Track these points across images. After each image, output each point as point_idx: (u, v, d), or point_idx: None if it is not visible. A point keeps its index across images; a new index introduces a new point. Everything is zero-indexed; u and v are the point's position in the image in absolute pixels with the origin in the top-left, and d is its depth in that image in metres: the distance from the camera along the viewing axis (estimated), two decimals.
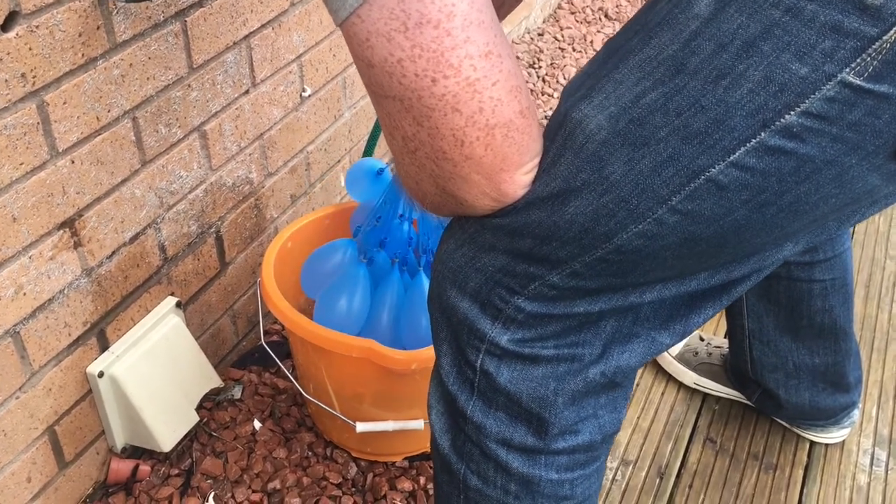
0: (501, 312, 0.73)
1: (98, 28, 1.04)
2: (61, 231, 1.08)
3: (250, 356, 1.55)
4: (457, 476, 0.82)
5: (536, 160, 0.66)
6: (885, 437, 1.45)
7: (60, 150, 1.04)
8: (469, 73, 0.58)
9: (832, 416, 1.37)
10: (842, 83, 0.56)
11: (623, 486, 1.35)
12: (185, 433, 1.31)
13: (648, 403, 1.50)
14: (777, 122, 0.57)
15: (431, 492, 1.32)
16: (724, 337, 1.55)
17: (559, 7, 2.91)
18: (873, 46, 0.55)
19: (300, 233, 1.37)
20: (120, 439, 1.27)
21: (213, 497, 1.29)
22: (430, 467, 1.36)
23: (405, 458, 1.37)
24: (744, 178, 0.60)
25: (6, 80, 0.94)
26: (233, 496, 1.29)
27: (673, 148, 0.61)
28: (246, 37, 1.32)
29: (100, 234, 1.14)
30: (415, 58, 0.57)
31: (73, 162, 1.06)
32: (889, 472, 1.38)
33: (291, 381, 1.40)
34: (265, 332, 1.62)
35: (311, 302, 1.35)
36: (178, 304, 1.31)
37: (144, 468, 1.30)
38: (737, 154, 0.59)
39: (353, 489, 1.33)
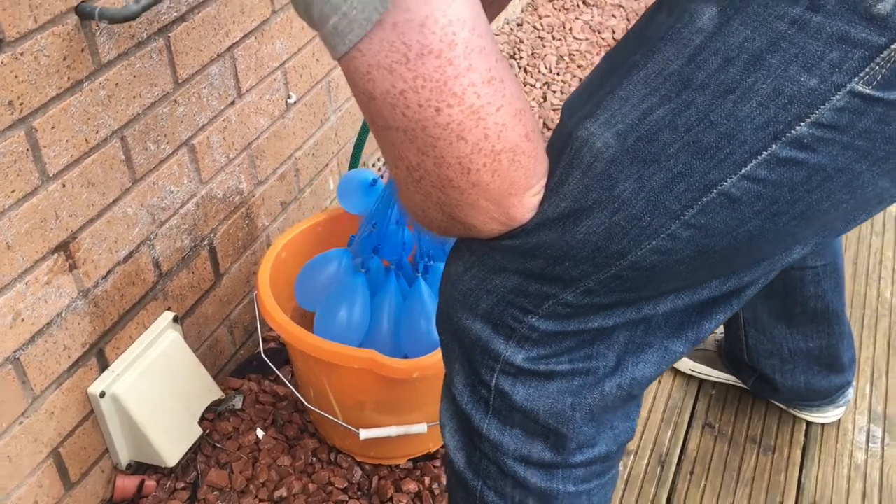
0: (515, 332, 0.73)
1: (82, 50, 1.03)
2: (56, 255, 1.08)
3: (248, 365, 1.55)
4: (473, 493, 0.82)
5: (543, 181, 0.66)
6: (879, 413, 1.47)
7: (51, 175, 1.04)
8: (473, 100, 0.57)
9: (828, 397, 1.39)
10: (851, 93, 0.56)
11: (625, 475, 1.37)
12: (189, 447, 1.31)
13: (646, 392, 1.51)
14: (788, 134, 0.58)
15: (437, 492, 1.33)
16: None
17: None
18: (881, 55, 0.55)
19: (293, 242, 1.37)
20: (124, 456, 1.28)
21: None
22: (434, 467, 1.37)
23: (409, 460, 1.38)
24: (756, 189, 0.60)
25: None
26: None
27: (684, 163, 0.61)
28: (229, 48, 1.32)
29: (94, 255, 1.14)
30: (418, 88, 0.56)
31: (64, 185, 1.06)
32: (885, 448, 1.41)
33: (290, 388, 1.41)
34: (262, 340, 1.62)
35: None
36: (176, 319, 1.31)
37: (150, 483, 1.30)
38: (748, 167, 0.59)
39: (359, 493, 1.34)
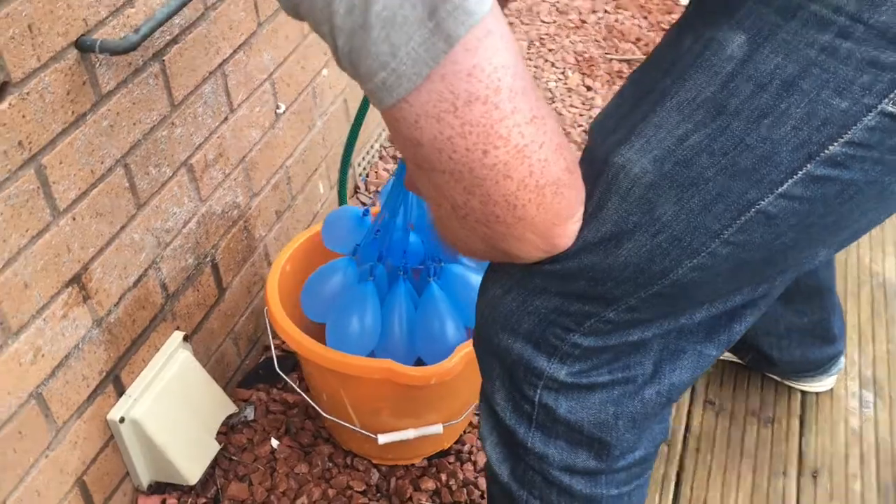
0: (557, 349, 0.76)
1: (84, 83, 1.03)
2: (70, 288, 1.08)
3: (255, 374, 1.57)
4: (518, 502, 0.86)
5: (582, 208, 0.68)
6: (869, 378, 1.53)
7: (61, 210, 1.04)
8: (518, 140, 0.59)
9: (821, 367, 1.45)
10: (882, 113, 0.59)
11: None
12: (208, 463, 1.33)
13: None
14: (822, 154, 0.61)
15: (454, 488, 1.37)
16: None
17: None
18: None
19: (297, 253, 1.39)
20: (145, 477, 1.29)
21: None
22: (449, 464, 1.41)
23: (423, 459, 1.41)
24: (791, 206, 0.63)
25: (5, 152, 0.94)
26: None
27: (722, 185, 0.63)
28: (220, 65, 1.32)
29: (105, 284, 1.15)
30: (465, 134, 0.58)
31: (74, 219, 1.06)
32: (878, 411, 1.47)
33: (300, 395, 1.43)
34: (266, 348, 1.64)
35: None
36: (186, 338, 1.32)
37: (171, 501, 1.32)
38: (785, 186, 0.62)
39: (378, 495, 1.37)
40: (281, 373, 1.32)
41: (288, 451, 1.41)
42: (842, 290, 1.70)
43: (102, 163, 1.10)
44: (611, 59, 2.51)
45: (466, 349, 1.19)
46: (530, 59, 2.53)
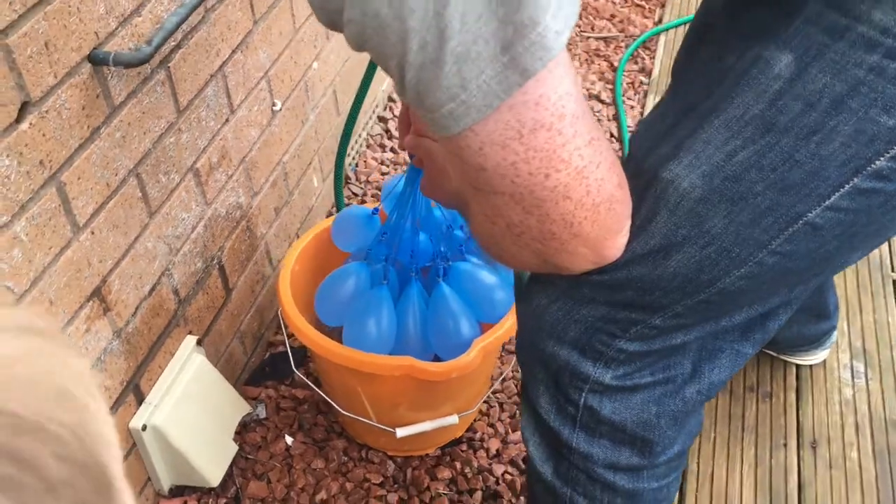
0: (603, 355, 0.79)
1: (97, 96, 1.02)
2: (91, 302, 1.08)
3: (261, 371, 1.58)
4: (562, 498, 0.89)
5: (630, 221, 0.70)
6: (859, 349, 1.59)
7: (81, 225, 1.04)
8: (577, 162, 0.61)
9: (816, 341, 1.50)
10: None
11: None
12: (228, 464, 1.34)
13: None
14: (868, 168, 0.64)
15: (469, 475, 1.40)
16: None
17: None
18: None
19: (305, 252, 1.40)
20: (166, 482, 1.30)
21: None
22: (461, 451, 1.44)
23: (437, 448, 1.44)
24: (837, 217, 0.66)
25: (28, 172, 0.93)
26: None
27: (771, 199, 0.66)
28: (220, 67, 1.31)
29: (123, 295, 1.15)
30: (529, 159, 0.59)
31: (93, 233, 1.06)
32: (869, 381, 1.53)
33: (311, 391, 1.44)
34: (270, 344, 1.65)
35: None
36: (199, 342, 1.33)
37: (192, 503, 1.33)
38: (832, 199, 0.65)
39: (396, 486, 1.39)
40: (298, 373, 1.33)
41: (303, 447, 1.43)
42: None
43: (116, 174, 1.09)
44: (588, 38, 2.53)
45: (482, 343, 1.21)
46: None
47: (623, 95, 2.29)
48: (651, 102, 2.24)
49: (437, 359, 1.28)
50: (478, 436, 1.46)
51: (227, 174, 1.38)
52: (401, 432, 1.29)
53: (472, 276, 1.28)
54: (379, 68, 0.70)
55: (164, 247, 1.23)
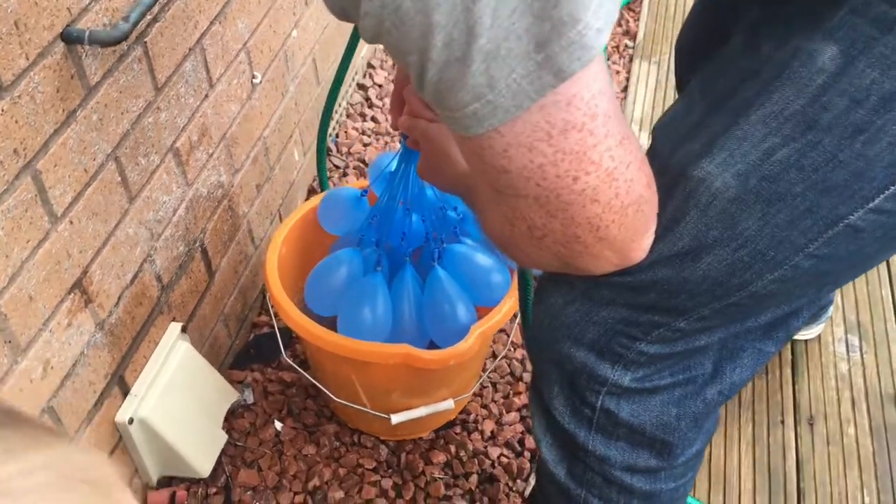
0: (622, 357, 0.75)
1: (72, 77, 0.96)
2: (72, 295, 1.02)
3: (245, 354, 1.53)
4: (576, 500, 0.85)
5: (655, 221, 0.66)
6: (853, 322, 1.58)
7: (59, 215, 0.98)
8: (608, 164, 0.56)
9: (812, 316, 1.48)
10: None
11: None
12: (218, 453, 1.30)
13: None
14: None
15: (465, 458, 1.37)
16: None
17: None
18: None
19: (291, 234, 1.34)
20: (154, 473, 1.26)
21: None
22: (455, 434, 1.41)
23: (431, 431, 1.41)
24: (880, 220, 0.63)
25: (1, 162, 0.87)
26: (277, 502, 1.30)
27: (811, 201, 0.62)
28: (198, 40, 1.24)
29: (105, 286, 1.09)
30: (557, 162, 0.55)
31: (71, 223, 1.00)
32: (864, 355, 1.52)
33: (298, 374, 1.40)
34: (254, 326, 1.60)
35: None
36: (183, 329, 1.27)
37: (181, 493, 1.29)
38: (876, 201, 0.61)
39: (391, 470, 1.36)
40: (287, 358, 1.29)
41: (293, 432, 1.39)
42: None
43: (94, 159, 1.03)
44: None
45: (481, 328, 1.17)
46: None
47: (608, 59, 2.23)
48: (637, 67, 2.20)
49: (432, 344, 1.24)
50: (471, 418, 1.43)
51: (207, 152, 1.32)
52: (396, 418, 1.25)
53: (468, 259, 1.24)
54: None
55: (146, 232, 1.17)
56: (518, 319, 1.32)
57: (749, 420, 1.43)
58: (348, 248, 1.25)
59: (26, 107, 0.89)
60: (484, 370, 1.43)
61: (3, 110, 0.86)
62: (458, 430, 1.42)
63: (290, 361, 1.30)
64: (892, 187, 0.61)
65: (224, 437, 1.32)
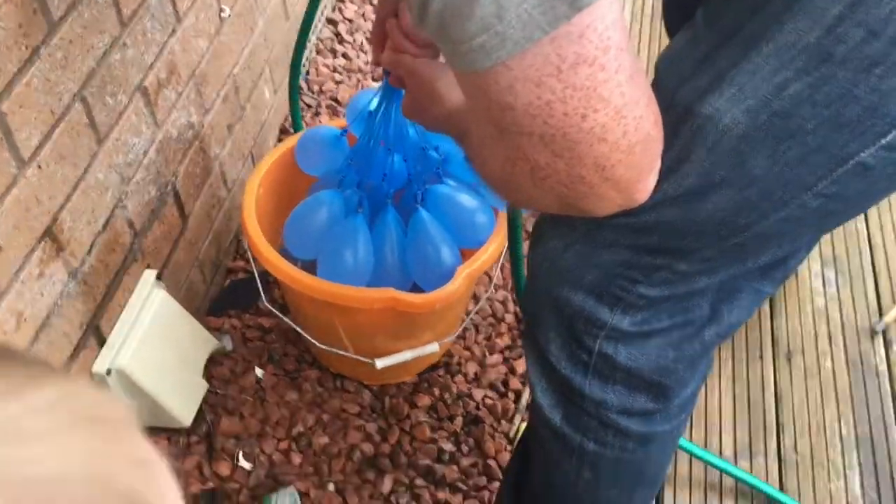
0: (621, 300, 0.73)
1: (34, 12, 0.90)
2: (43, 243, 0.98)
3: (221, 300, 1.50)
4: (571, 444, 0.85)
5: (660, 161, 0.64)
6: (829, 256, 1.58)
7: (26, 159, 0.92)
8: (618, 101, 0.53)
9: None
10: None
11: None
12: (199, 402, 1.28)
13: None
14: None
15: (449, 401, 1.37)
16: None
17: None
18: None
19: (267, 176, 1.30)
20: None
21: (242, 455, 1.28)
22: (439, 377, 1.40)
23: (414, 375, 1.40)
24: (891, 157, 0.61)
25: None
26: (261, 450, 1.29)
27: (822, 137, 0.60)
28: None
29: (77, 233, 1.04)
30: (566, 98, 0.52)
31: (39, 167, 0.95)
32: (840, 289, 1.53)
33: (278, 319, 1.37)
34: (229, 271, 1.56)
35: None
36: (159, 276, 1.23)
37: (162, 443, 1.27)
38: (889, 137, 0.59)
39: (374, 415, 1.35)
40: (267, 304, 1.26)
41: (274, 379, 1.37)
42: None
43: (61, 100, 0.97)
44: None
45: (467, 270, 1.15)
46: None
47: None
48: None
49: (416, 287, 1.22)
50: (455, 360, 1.42)
51: (176, 91, 1.26)
52: (380, 363, 1.23)
53: (452, 200, 1.21)
54: None
55: (116, 176, 1.12)
56: (501, 261, 1.30)
57: (729, 357, 1.44)
58: (328, 189, 1.21)
59: None
60: (467, 313, 1.42)
61: None
62: (441, 372, 1.41)
63: (270, 307, 1.27)
64: None
65: (204, 385, 1.30)
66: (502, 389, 1.39)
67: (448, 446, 1.32)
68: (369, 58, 1.94)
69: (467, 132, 0.72)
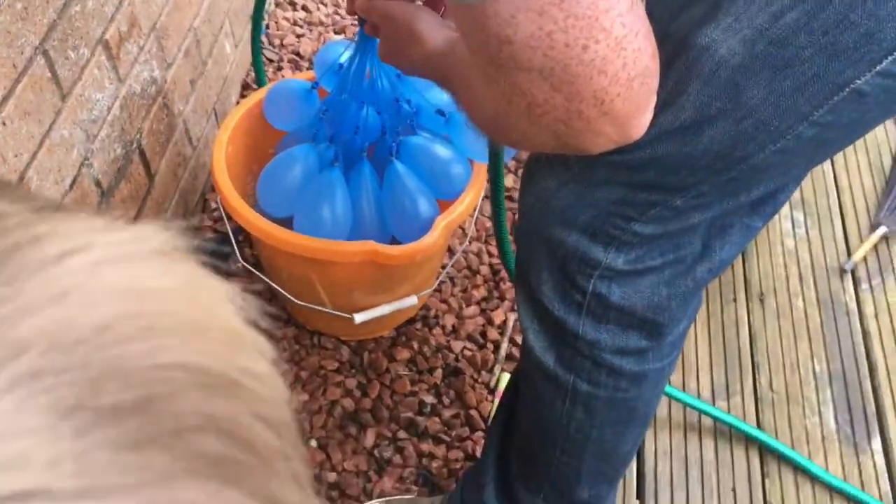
0: (615, 239, 0.73)
1: None
2: None
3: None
4: (564, 385, 0.84)
5: (656, 96, 0.63)
6: (797, 198, 1.60)
7: None
8: (618, 31, 0.52)
9: None
10: None
11: None
12: None
13: None
14: None
15: (428, 354, 1.36)
16: None
17: None
18: None
19: (235, 132, 1.26)
20: None
21: None
22: (417, 331, 1.39)
23: (392, 329, 1.39)
24: (885, 83, 0.61)
25: None
26: None
27: (819, 66, 0.59)
28: None
29: (44, 192, 1.01)
30: (567, 28, 0.50)
31: (4, 124, 0.91)
32: (809, 231, 1.56)
33: (251, 277, 1.35)
34: (197, 230, 1.52)
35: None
36: None
37: None
38: (883, 64, 0.59)
39: (354, 370, 1.34)
40: (244, 262, 1.23)
41: None
42: None
43: (22, 53, 0.93)
44: None
45: (445, 221, 1.14)
46: None
47: None
48: None
49: (394, 240, 1.21)
50: (432, 313, 1.41)
51: (138, 45, 1.22)
52: (359, 318, 1.22)
53: (427, 151, 1.19)
54: None
55: (81, 133, 1.08)
56: (476, 213, 1.29)
57: (703, 299, 1.45)
58: (301, 144, 1.19)
59: None
60: (443, 266, 1.41)
61: None
62: (419, 326, 1.40)
63: (246, 265, 1.24)
64: None
65: None
66: (481, 341, 1.39)
67: (429, 399, 1.32)
68: (329, 10, 1.90)
69: (452, 72, 0.70)
